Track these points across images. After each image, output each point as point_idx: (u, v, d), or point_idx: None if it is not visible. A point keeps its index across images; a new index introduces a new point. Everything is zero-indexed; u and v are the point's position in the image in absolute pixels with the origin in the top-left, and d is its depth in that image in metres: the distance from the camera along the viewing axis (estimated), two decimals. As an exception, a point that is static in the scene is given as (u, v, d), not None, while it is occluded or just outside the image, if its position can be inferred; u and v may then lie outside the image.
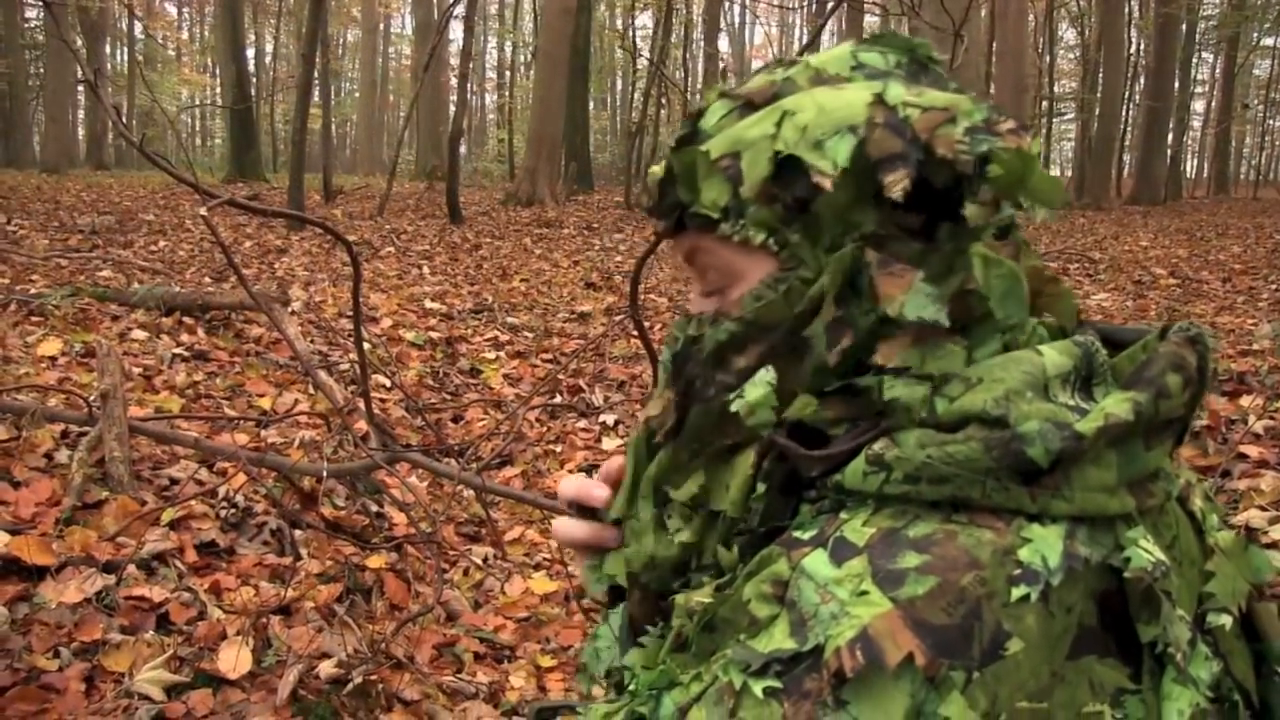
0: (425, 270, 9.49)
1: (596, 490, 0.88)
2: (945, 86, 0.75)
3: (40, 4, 27.92)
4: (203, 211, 2.01)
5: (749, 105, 0.76)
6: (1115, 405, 0.67)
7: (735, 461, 0.76)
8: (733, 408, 0.74)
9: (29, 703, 2.20)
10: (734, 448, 0.77)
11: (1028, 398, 0.67)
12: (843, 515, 0.69)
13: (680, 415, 0.79)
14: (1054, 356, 0.70)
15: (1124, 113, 25.72)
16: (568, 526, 0.89)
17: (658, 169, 0.84)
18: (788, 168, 0.72)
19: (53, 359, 4.64)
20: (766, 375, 0.74)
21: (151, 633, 2.57)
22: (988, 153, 0.68)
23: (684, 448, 0.79)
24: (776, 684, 0.64)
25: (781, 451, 0.73)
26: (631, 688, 0.76)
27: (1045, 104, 26.73)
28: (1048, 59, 26.60)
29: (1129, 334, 0.78)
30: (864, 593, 0.63)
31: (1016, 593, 0.62)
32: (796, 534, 0.70)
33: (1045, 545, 0.64)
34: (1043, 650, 0.62)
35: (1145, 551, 0.65)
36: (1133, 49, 26.56)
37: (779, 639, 0.65)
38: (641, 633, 0.83)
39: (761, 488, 0.74)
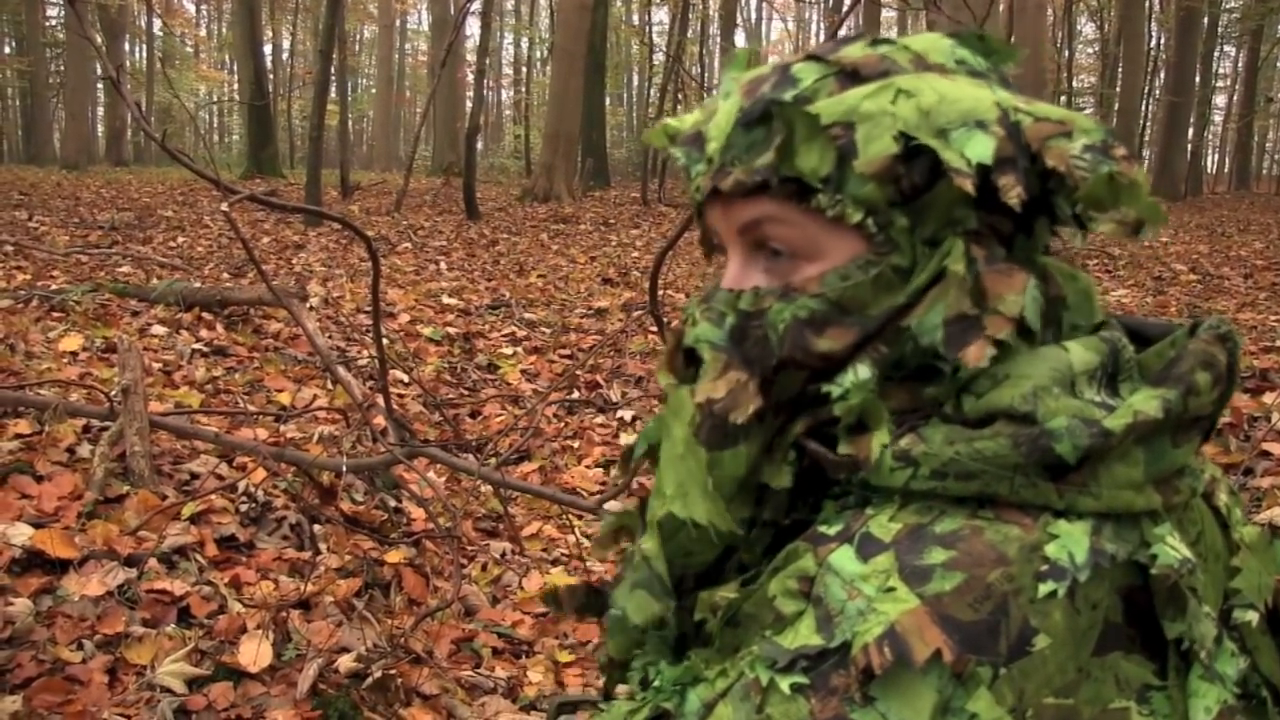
0: (442, 266, 9.51)
1: None
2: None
3: (62, 2, 28.12)
4: (224, 207, 2.02)
5: (853, 75, 0.72)
6: (1144, 402, 0.66)
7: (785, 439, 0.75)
8: (837, 410, 0.71)
9: (54, 693, 2.22)
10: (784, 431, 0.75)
11: (1055, 394, 0.67)
12: (868, 511, 0.69)
13: (768, 398, 0.74)
14: (1080, 353, 0.70)
15: (1144, 108, 25.55)
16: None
17: (679, 121, 0.81)
18: (911, 152, 0.68)
19: (74, 354, 4.67)
20: (868, 379, 0.70)
21: (173, 626, 2.59)
22: (1104, 174, 0.66)
23: (767, 431, 0.75)
24: (803, 680, 0.64)
25: (808, 453, 0.73)
26: (656, 683, 0.76)
27: (1064, 99, 26.56)
28: (1066, 53, 26.42)
29: (1155, 328, 0.78)
30: (891, 589, 0.63)
31: (1044, 589, 0.62)
32: (822, 529, 0.70)
33: (1072, 541, 0.64)
34: (1069, 646, 0.62)
35: (1172, 549, 0.65)
36: (1153, 43, 26.31)
37: (805, 635, 0.65)
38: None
39: (793, 455, 0.73)
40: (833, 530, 0.69)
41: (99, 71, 28.71)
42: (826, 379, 0.72)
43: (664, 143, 0.83)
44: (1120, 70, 23.49)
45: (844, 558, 0.66)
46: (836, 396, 0.70)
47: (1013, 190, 0.66)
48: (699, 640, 0.76)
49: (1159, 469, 0.67)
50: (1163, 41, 27.02)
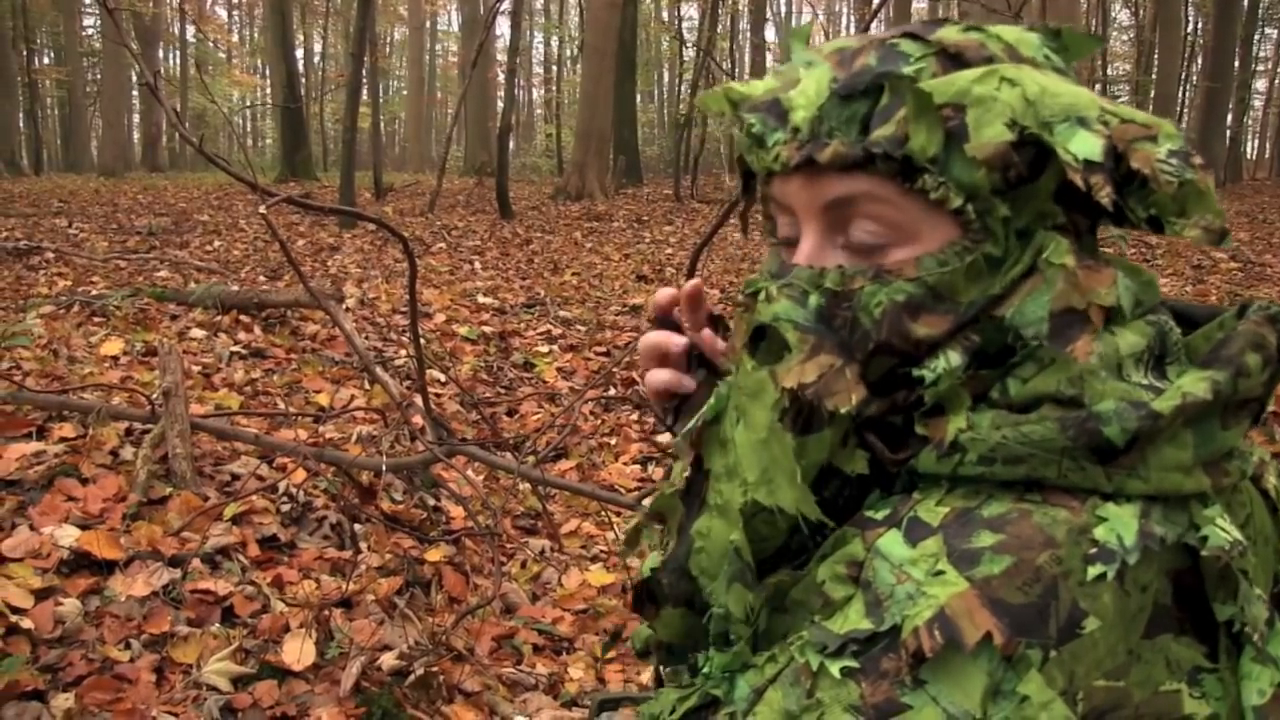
0: (477, 265, 9.55)
1: (674, 343, 0.84)
2: None
3: (99, 11, 28.50)
4: (262, 210, 2.03)
5: (955, 58, 0.70)
6: (1193, 384, 0.66)
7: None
8: (927, 396, 0.70)
9: (104, 692, 2.25)
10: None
11: (1102, 377, 0.67)
12: (915, 495, 0.69)
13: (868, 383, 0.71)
14: (1127, 335, 0.69)
15: (1181, 94, 25.18)
16: (653, 376, 0.85)
17: (744, 86, 0.77)
18: (1021, 141, 0.67)
19: (115, 358, 4.73)
20: (959, 363, 0.69)
21: (217, 625, 2.61)
22: (1187, 180, 0.66)
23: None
24: (853, 664, 0.64)
25: (867, 448, 0.72)
26: (705, 670, 0.76)
27: (1098, 87, 26.25)
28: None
29: (1202, 312, 0.77)
30: (940, 572, 0.63)
31: (1093, 571, 0.62)
32: (869, 514, 0.70)
33: (1120, 524, 0.64)
34: (1119, 629, 0.62)
35: (1222, 531, 0.65)
36: (1190, 27, 25.90)
37: (855, 619, 0.66)
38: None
39: (862, 458, 0.72)
40: (880, 515, 0.69)
41: (135, 79, 29.13)
42: (915, 364, 0.70)
43: (723, 108, 0.80)
44: (1156, 56, 23.17)
45: (892, 542, 0.66)
46: (929, 383, 0.69)
47: (1104, 189, 0.65)
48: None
49: (1208, 451, 0.66)
50: (1200, 26, 26.60)
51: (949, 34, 0.71)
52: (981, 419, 0.67)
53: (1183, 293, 8.26)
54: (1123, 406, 0.65)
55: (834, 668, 0.65)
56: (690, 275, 1.41)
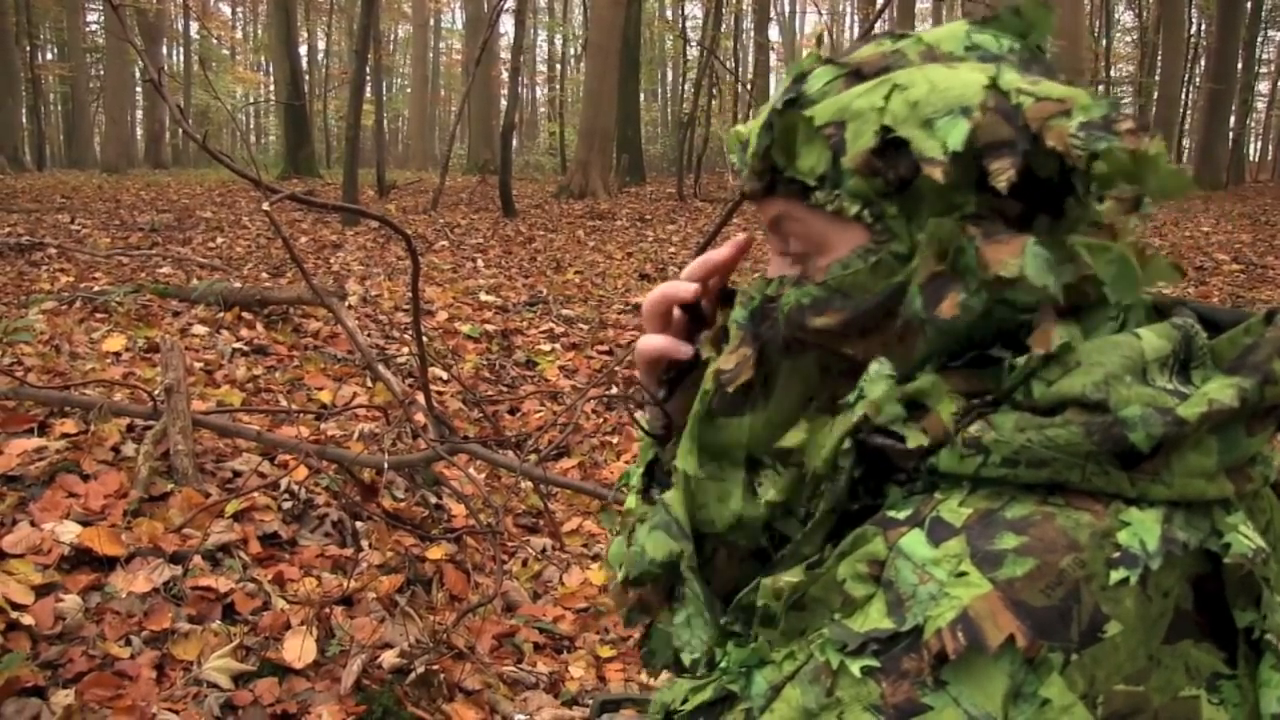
0: (479, 263, 9.54)
1: (683, 289, 0.89)
2: (1055, 76, 0.74)
3: (102, 7, 28.50)
4: (266, 207, 2.03)
5: (856, 74, 0.74)
6: (1219, 390, 0.66)
7: (832, 425, 0.76)
8: (857, 411, 0.73)
9: (105, 688, 2.25)
10: (832, 410, 0.76)
11: (1127, 382, 0.66)
12: (937, 496, 0.69)
13: (759, 373, 0.79)
14: (1152, 339, 0.69)
15: (1184, 95, 25.11)
16: (648, 340, 0.90)
17: (743, 128, 0.83)
18: (894, 144, 0.70)
19: (117, 354, 4.73)
20: (883, 369, 0.73)
21: (218, 622, 2.61)
22: (1101, 150, 0.67)
23: (780, 407, 0.79)
24: (874, 663, 0.65)
25: (874, 446, 0.73)
26: (722, 664, 0.77)
27: (1101, 89, 26.21)
28: (1104, 42, 26.08)
29: (1228, 316, 0.77)
30: (963, 573, 0.63)
31: (1115, 576, 0.62)
32: (891, 514, 0.70)
33: (1143, 529, 0.64)
34: (1140, 633, 0.62)
35: (1245, 537, 0.65)
36: (1193, 29, 25.83)
37: (876, 618, 0.66)
38: (728, 599, 0.82)
39: (849, 444, 0.73)
40: (902, 515, 0.69)
41: (138, 76, 29.14)
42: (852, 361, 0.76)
43: (735, 148, 0.87)
44: (1160, 58, 23.12)
45: (915, 542, 0.67)
46: (855, 398, 0.73)
47: (1003, 174, 0.67)
48: (741, 620, 0.77)
49: (1233, 457, 0.66)
50: (1204, 28, 26.54)
51: (861, 51, 0.77)
52: (1005, 421, 0.67)
53: (1184, 294, 8.24)
54: (1148, 412, 0.65)
55: (854, 666, 0.65)
56: None
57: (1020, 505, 0.65)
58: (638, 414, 0.99)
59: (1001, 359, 0.70)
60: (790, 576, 0.73)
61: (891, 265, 0.72)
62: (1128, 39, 34.54)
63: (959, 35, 0.76)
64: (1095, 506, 0.65)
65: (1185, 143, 26.74)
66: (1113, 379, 0.66)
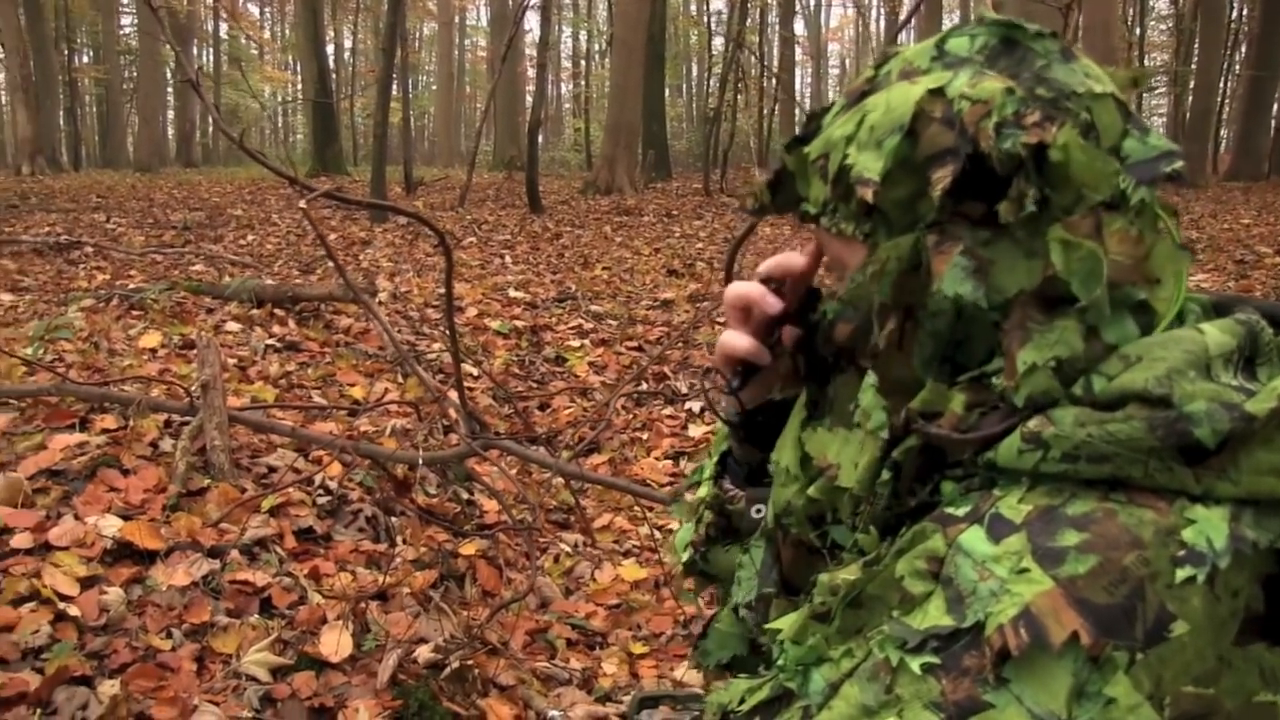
0: (508, 259, 9.57)
1: (770, 305, 0.90)
2: (1031, 66, 0.73)
3: (136, 10, 28.77)
4: (302, 204, 2.05)
5: (846, 105, 0.79)
6: None
7: (865, 441, 0.77)
8: (855, 419, 0.77)
9: (148, 679, 2.28)
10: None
11: (1190, 377, 0.66)
12: (996, 492, 0.69)
13: (809, 380, 0.85)
14: (1216, 335, 0.68)
15: (1223, 84, 24.59)
16: (732, 340, 0.92)
17: (761, 178, 0.88)
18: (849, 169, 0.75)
19: (153, 351, 4.78)
20: (870, 379, 0.76)
21: (256, 616, 2.63)
22: (1005, 147, 0.69)
23: (837, 419, 0.82)
24: (934, 660, 0.64)
25: (926, 437, 0.73)
26: (780, 662, 0.77)
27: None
28: (1138, 31, 25.72)
29: None
30: (1024, 570, 0.63)
31: (1181, 574, 0.61)
32: (949, 510, 0.70)
33: (1210, 527, 0.63)
34: (1208, 634, 0.61)
35: None
36: (1233, 15, 25.20)
37: (935, 615, 0.66)
38: (789, 584, 0.86)
39: (887, 475, 0.75)
40: (961, 511, 0.69)
41: (170, 77, 29.41)
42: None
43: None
44: (1197, 45, 22.69)
45: (974, 538, 0.66)
46: (853, 405, 0.79)
47: (939, 184, 0.70)
48: (818, 619, 0.77)
49: None
50: (1245, 13, 25.99)
51: (855, 81, 0.82)
52: (1065, 415, 0.67)
53: (1224, 288, 8.15)
54: (1214, 408, 0.64)
55: (914, 664, 0.65)
56: (729, 272, 1.45)
57: (1081, 502, 0.65)
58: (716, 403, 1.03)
59: (994, 383, 0.71)
60: (847, 573, 0.74)
61: (874, 283, 0.76)
62: (1162, 27, 34.03)
63: (928, 47, 0.78)
64: (1159, 504, 0.64)
65: (1223, 133, 26.18)
66: (1176, 374, 0.66)
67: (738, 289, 0.90)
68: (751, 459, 0.98)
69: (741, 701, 0.79)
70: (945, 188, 0.69)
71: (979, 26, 0.76)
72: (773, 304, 0.89)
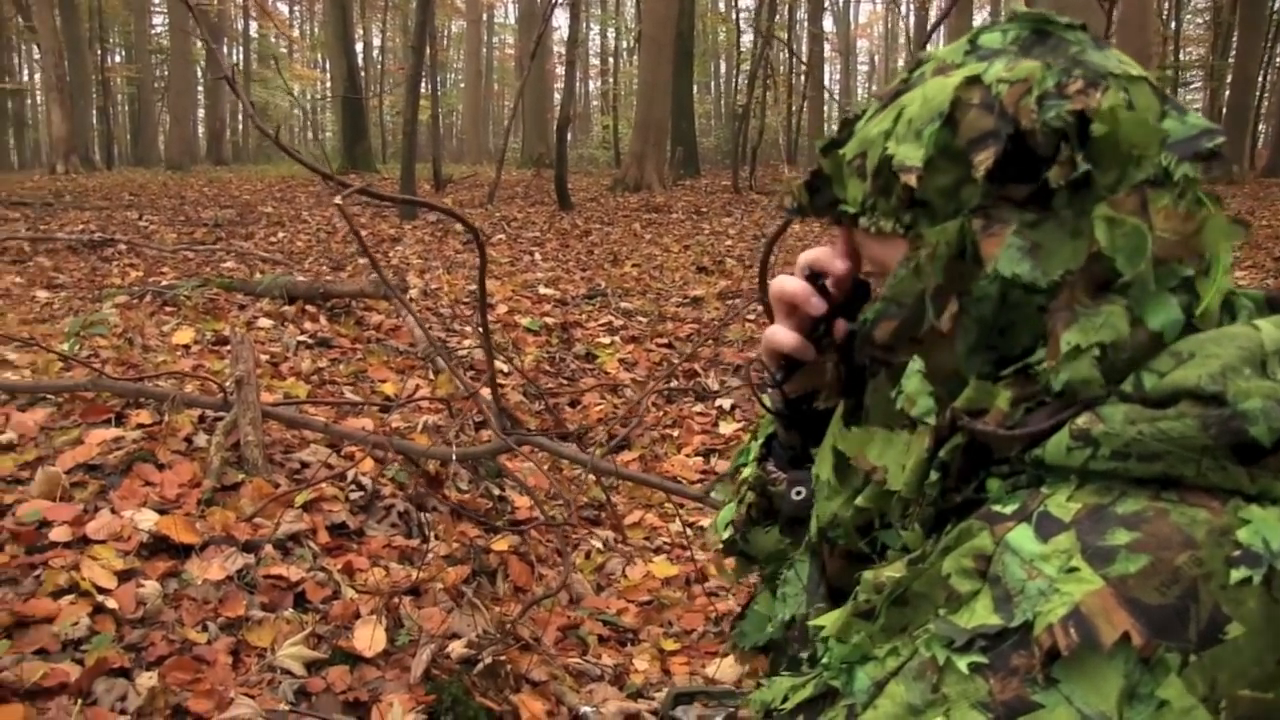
0: (537, 257, 9.58)
1: (815, 307, 0.89)
2: (1066, 52, 0.73)
3: (167, 10, 29.03)
4: (338, 201, 2.06)
5: (881, 105, 0.79)
6: None
7: (911, 442, 0.76)
8: (898, 405, 0.76)
9: (185, 672, 2.30)
10: (910, 425, 0.77)
11: (1245, 374, 0.64)
12: (1044, 490, 0.68)
13: (845, 391, 0.84)
14: (1272, 331, 0.67)
15: (1262, 77, 24.12)
16: (779, 335, 0.92)
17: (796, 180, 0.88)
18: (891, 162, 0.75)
19: (186, 347, 4.82)
20: (915, 365, 0.75)
21: (290, 610, 2.65)
22: (1049, 118, 0.68)
23: (873, 424, 0.81)
24: (982, 659, 0.64)
25: (972, 434, 0.72)
26: (824, 660, 0.76)
27: (1170, 73, 25.47)
28: (1174, 25, 25.37)
29: None
30: (1073, 569, 0.62)
31: (1236, 575, 0.60)
32: (996, 508, 0.69)
33: (1266, 527, 0.61)
34: (1266, 637, 0.60)
35: None
36: (1275, 6, 24.65)
37: (982, 614, 0.65)
38: (838, 592, 0.85)
39: (935, 476, 0.74)
40: (1008, 509, 0.68)
41: (200, 75, 29.68)
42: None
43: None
44: (1235, 37, 22.27)
45: (1023, 537, 0.66)
46: (896, 392, 0.77)
47: (982, 165, 0.70)
48: (861, 616, 0.76)
49: None
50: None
51: (889, 84, 0.81)
52: (1114, 413, 0.66)
53: (1264, 284, 8.04)
54: (1270, 405, 0.63)
55: (961, 663, 0.64)
56: (763, 271, 1.46)
57: (1132, 500, 0.64)
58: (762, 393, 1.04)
59: (1040, 373, 0.71)
60: (892, 571, 0.73)
61: (926, 267, 0.75)
62: (1198, 20, 33.56)
63: (961, 44, 0.79)
64: (1212, 503, 0.63)
65: (1261, 128, 25.70)
66: (1230, 371, 0.64)
67: (783, 285, 0.90)
68: (795, 444, 1.00)
69: (785, 699, 0.78)
70: (988, 168, 0.69)
71: (1009, 22, 0.77)
72: (817, 305, 0.89)
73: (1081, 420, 0.67)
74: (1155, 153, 0.69)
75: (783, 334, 0.91)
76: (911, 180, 0.72)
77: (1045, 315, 0.70)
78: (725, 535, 1.05)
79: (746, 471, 1.03)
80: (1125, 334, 0.68)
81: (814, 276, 0.89)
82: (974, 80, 0.72)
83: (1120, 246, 0.68)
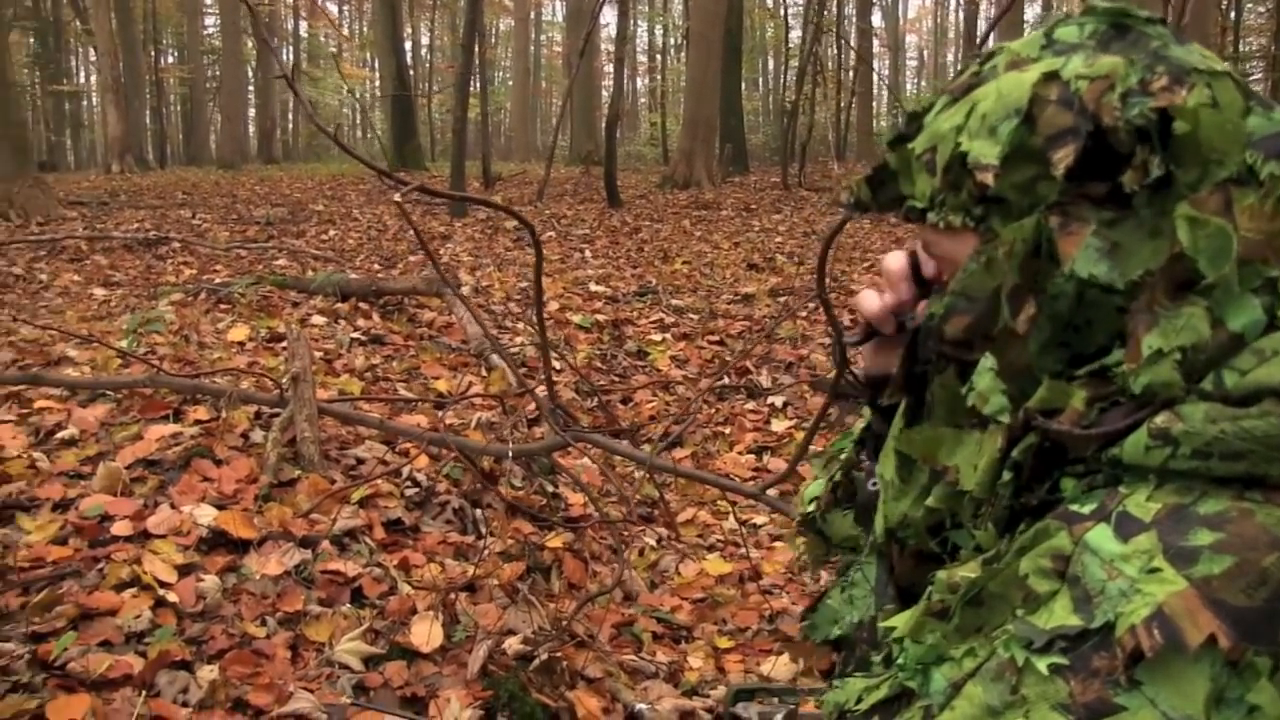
0: (587, 254, 9.59)
1: (904, 287, 0.90)
2: (1146, 47, 0.71)
3: (219, 11, 29.50)
4: (397, 198, 2.06)
5: (952, 99, 0.77)
6: None
7: (983, 441, 0.75)
8: (969, 401, 0.75)
9: (244, 665, 2.32)
10: (980, 424, 0.76)
11: None
12: (1122, 490, 0.67)
13: (907, 389, 0.82)
14: None
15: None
16: (867, 297, 0.92)
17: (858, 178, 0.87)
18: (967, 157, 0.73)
19: (241, 344, 4.87)
20: (988, 362, 0.74)
21: (347, 606, 2.66)
22: (1132, 116, 0.67)
23: (934, 424, 0.80)
24: (1062, 661, 0.63)
25: (1046, 434, 0.71)
26: (899, 661, 0.75)
27: (1230, 64, 24.86)
28: (1233, 15, 24.83)
29: None
30: (1155, 570, 0.61)
31: None
32: (1074, 508, 0.68)
33: None
34: None
35: None
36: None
37: (1061, 615, 0.64)
38: (906, 593, 0.83)
39: (1008, 476, 0.73)
40: (1086, 509, 0.67)
41: (251, 75, 30.09)
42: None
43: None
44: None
45: (1102, 537, 0.64)
46: (966, 389, 0.75)
47: (1061, 162, 0.68)
48: (935, 616, 0.75)
49: None
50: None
51: (959, 79, 0.80)
52: (1194, 411, 0.64)
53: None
54: None
55: (1041, 664, 0.63)
56: (821, 269, 1.45)
57: (1214, 500, 0.63)
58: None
59: (1118, 375, 0.69)
60: (966, 571, 0.72)
61: (1000, 264, 0.73)
62: (1260, 9, 32.79)
63: (1036, 38, 0.77)
64: None
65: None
66: None
67: (888, 259, 0.91)
68: (883, 432, 0.98)
69: (859, 700, 0.78)
70: (1069, 166, 0.68)
71: (1086, 16, 0.75)
72: (905, 291, 0.89)
73: (1160, 419, 0.65)
74: (1239, 150, 0.67)
75: (871, 298, 0.91)
76: (988, 178, 0.71)
77: (1122, 315, 0.69)
78: (808, 509, 1.06)
79: (843, 452, 1.05)
80: (1206, 336, 0.66)
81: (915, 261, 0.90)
82: (1052, 76, 0.70)
83: (1204, 248, 0.66)
